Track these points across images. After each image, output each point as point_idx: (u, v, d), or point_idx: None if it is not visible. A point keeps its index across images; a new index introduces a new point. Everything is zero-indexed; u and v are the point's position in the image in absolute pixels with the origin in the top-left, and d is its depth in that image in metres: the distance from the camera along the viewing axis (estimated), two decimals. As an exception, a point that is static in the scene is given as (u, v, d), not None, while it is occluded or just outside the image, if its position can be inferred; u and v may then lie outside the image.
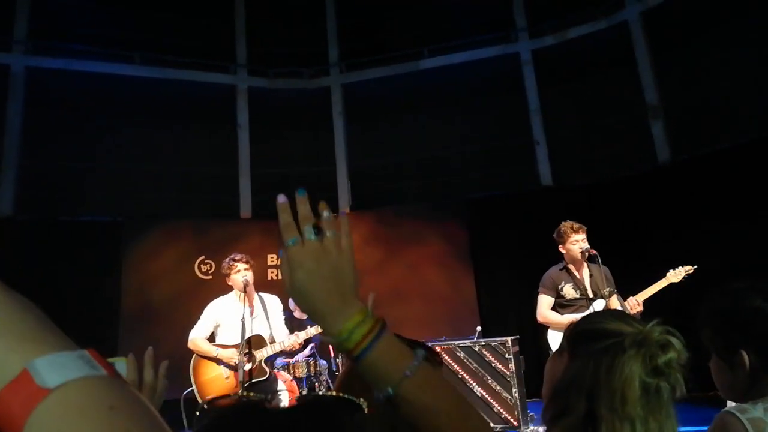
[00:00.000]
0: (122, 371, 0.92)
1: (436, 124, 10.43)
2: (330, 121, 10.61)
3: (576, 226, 4.59)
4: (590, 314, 1.24)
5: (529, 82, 9.98)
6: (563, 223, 4.68)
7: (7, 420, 0.37)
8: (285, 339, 4.45)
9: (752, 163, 7.24)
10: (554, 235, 4.72)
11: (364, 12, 11.01)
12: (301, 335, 4.59)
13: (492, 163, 10.00)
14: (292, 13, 11.09)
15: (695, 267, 4.45)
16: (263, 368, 4.28)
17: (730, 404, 1.54)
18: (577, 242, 4.52)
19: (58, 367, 0.39)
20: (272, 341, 4.41)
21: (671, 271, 4.49)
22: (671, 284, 4.48)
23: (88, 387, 0.39)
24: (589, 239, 4.61)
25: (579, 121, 9.72)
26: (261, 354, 4.28)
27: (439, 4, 10.69)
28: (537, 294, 4.76)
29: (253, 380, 4.22)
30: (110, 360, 0.93)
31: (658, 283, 4.44)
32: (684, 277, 4.45)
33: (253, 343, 4.29)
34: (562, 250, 4.68)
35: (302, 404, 0.73)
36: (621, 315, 1.18)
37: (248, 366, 4.20)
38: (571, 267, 4.64)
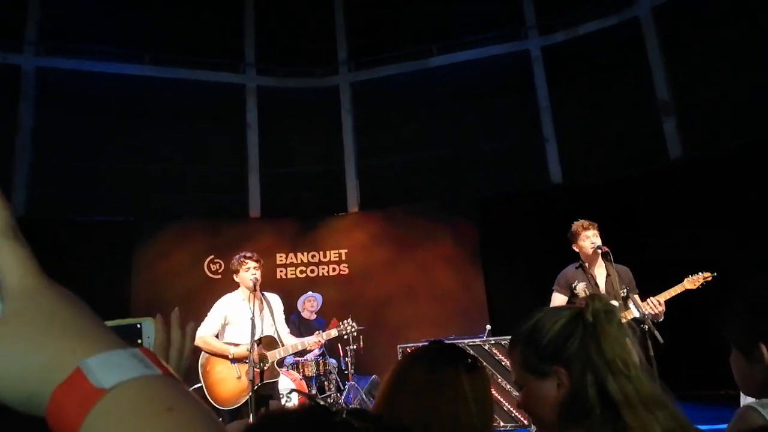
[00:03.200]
0: (150, 332, 0.93)
1: (445, 123, 10.40)
2: (339, 120, 10.61)
3: (586, 223, 4.57)
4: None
5: (539, 80, 9.92)
6: (575, 222, 4.66)
7: (62, 421, 0.36)
8: (304, 340, 4.48)
9: (766, 160, 7.15)
10: (568, 236, 4.70)
11: (373, 10, 10.98)
12: (323, 335, 4.61)
13: (502, 161, 9.94)
14: (300, 12, 11.10)
15: (714, 274, 4.37)
16: (275, 369, 4.27)
17: (746, 400, 1.52)
18: (588, 238, 4.50)
19: (113, 366, 0.37)
20: (281, 342, 4.41)
21: (689, 276, 4.42)
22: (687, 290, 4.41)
23: (145, 387, 0.37)
24: (600, 238, 4.58)
25: (590, 119, 9.64)
26: (274, 355, 4.26)
27: (448, 1, 10.64)
28: (551, 292, 4.72)
29: (266, 381, 4.20)
30: (138, 320, 0.93)
31: (674, 288, 4.38)
32: (701, 284, 4.38)
33: (265, 344, 4.26)
34: (575, 248, 4.64)
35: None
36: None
37: (264, 366, 4.20)
38: (587, 266, 4.61)
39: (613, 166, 9.02)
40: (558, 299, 4.64)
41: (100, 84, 9.64)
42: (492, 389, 4.53)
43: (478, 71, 10.20)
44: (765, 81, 8.02)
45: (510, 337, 1.30)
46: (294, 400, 5.62)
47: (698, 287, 4.36)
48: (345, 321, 4.75)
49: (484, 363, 5.25)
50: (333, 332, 4.66)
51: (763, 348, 1.31)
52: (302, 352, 6.10)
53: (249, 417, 3.98)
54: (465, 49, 10.24)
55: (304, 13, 11.11)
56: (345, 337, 4.97)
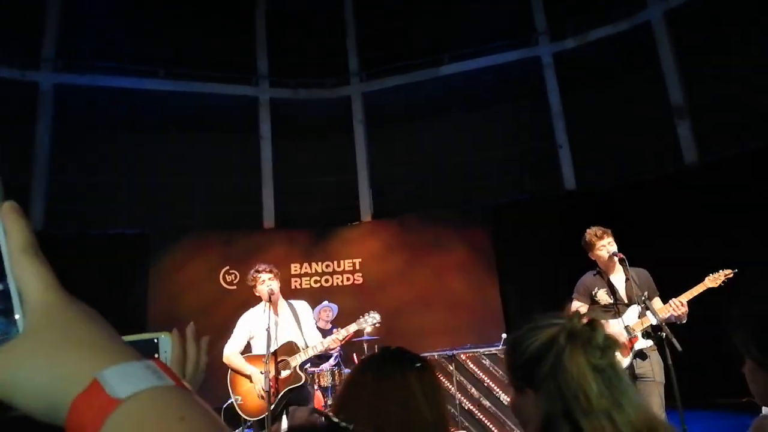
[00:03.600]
0: (167, 346, 0.95)
1: (457, 130, 10.40)
2: (351, 130, 10.66)
3: (600, 231, 4.51)
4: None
5: (551, 86, 9.89)
6: (587, 231, 4.59)
7: (79, 429, 0.38)
8: (323, 341, 4.41)
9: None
10: (582, 244, 4.65)
11: (384, 20, 11.05)
12: (342, 332, 4.57)
13: (515, 167, 9.92)
14: (312, 24, 11.20)
15: (735, 271, 4.32)
16: (298, 374, 4.29)
17: (765, 410, 1.50)
18: (603, 247, 4.45)
19: (128, 377, 0.39)
20: (305, 347, 4.40)
21: (710, 275, 4.37)
22: (708, 289, 4.36)
23: (159, 397, 0.39)
24: (615, 243, 4.53)
25: (602, 124, 9.59)
26: (295, 360, 4.29)
27: (458, 9, 10.67)
28: (570, 300, 4.66)
29: (290, 387, 4.24)
30: (155, 335, 0.95)
31: (695, 287, 4.32)
32: (723, 282, 4.33)
33: (285, 350, 4.30)
34: (592, 257, 4.60)
35: None
36: (536, 325, 1.18)
37: (286, 373, 4.21)
38: (605, 272, 4.56)
39: (627, 171, 8.95)
40: (576, 307, 4.58)
41: (116, 99, 9.78)
42: (509, 399, 4.44)
43: (490, 78, 10.20)
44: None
45: None
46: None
47: (720, 285, 4.30)
48: (366, 313, 4.67)
49: (501, 373, 5.20)
50: (352, 327, 4.61)
51: None
52: (317, 363, 6.12)
53: (271, 426, 4.03)
54: (476, 56, 10.24)
55: (316, 25, 11.20)
56: (367, 330, 4.84)
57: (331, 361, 6.39)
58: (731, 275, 4.31)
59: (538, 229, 8.65)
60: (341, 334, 4.52)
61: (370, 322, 4.54)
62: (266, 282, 4.38)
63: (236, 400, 4.27)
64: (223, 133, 10.48)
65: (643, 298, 4.18)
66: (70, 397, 0.39)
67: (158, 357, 0.89)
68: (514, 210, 9.19)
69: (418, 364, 1.33)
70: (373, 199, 10.33)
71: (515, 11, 10.45)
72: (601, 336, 1.06)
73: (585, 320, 1.09)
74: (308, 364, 5.28)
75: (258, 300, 4.58)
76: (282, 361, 4.23)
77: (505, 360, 1.25)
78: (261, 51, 10.92)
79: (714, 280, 4.32)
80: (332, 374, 5.92)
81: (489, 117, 10.27)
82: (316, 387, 5.79)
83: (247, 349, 4.51)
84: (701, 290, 4.30)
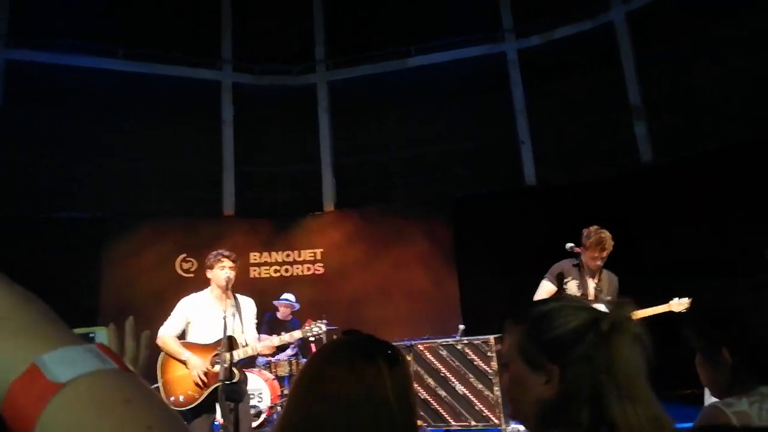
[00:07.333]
0: (103, 341, 0.92)
1: (421, 123, 10.43)
2: (315, 119, 10.57)
3: (608, 243, 4.47)
4: (544, 319, 1.13)
5: (515, 82, 10.03)
6: (600, 232, 4.51)
7: (18, 415, 0.37)
8: (257, 344, 4.23)
9: (735, 165, 7.31)
10: (582, 235, 4.59)
11: (351, 10, 10.97)
12: (275, 341, 4.47)
13: (477, 162, 10.02)
14: (278, 9, 11.02)
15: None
16: (233, 371, 4.10)
17: (710, 399, 1.56)
18: (594, 259, 4.51)
19: (68, 362, 0.38)
20: (244, 344, 4.26)
21: (675, 300, 4.53)
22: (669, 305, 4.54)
23: (102, 381, 0.38)
24: (572, 239, 4.59)
25: (564, 121, 9.77)
26: (231, 357, 4.09)
27: (426, 3, 10.68)
28: (524, 292, 4.75)
29: (224, 381, 4.02)
30: (91, 329, 0.92)
31: (657, 307, 4.50)
32: (685, 310, 4.48)
33: (224, 344, 4.13)
34: (578, 250, 4.61)
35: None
36: (574, 306, 1.13)
37: (218, 368, 3.94)
38: (584, 268, 4.64)
39: (586, 168, 9.15)
40: (546, 288, 4.65)
41: (72, 78, 9.44)
42: (464, 389, 4.49)
43: (455, 72, 10.26)
44: (736, 86, 8.22)
45: (512, 318, 1.22)
46: (266, 401, 5.57)
47: (681, 312, 4.48)
48: (313, 322, 4.56)
49: (458, 363, 5.27)
50: (296, 333, 4.52)
51: (726, 353, 1.37)
52: (273, 353, 6.05)
53: (211, 415, 3.97)
54: (442, 50, 10.30)
55: (282, 11, 11.04)
56: (312, 339, 4.74)
57: (289, 351, 6.35)
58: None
59: (498, 224, 8.77)
60: (276, 339, 4.43)
61: (315, 331, 4.44)
62: (226, 269, 4.29)
63: (160, 386, 4.06)
64: (184, 117, 10.24)
65: (611, 299, 4.33)
66: (6, 383, 0.38)
67: None
68: (475, 204, 9.29)
69: (390, 354, 1.19)
70: (336, 189, 10.29)
71: (482, 7, 10.52)
72: (640, 329, 1.04)
73: (623, 310, 1.06)
74: (260, 357, 5.15)
75: (206, 285, 4.44)
76: (217, 354, 4.08)
77: (522, 330, 1.15)
78: (225, 34, 10.70)
79: (679, 305, 4.52)
80: (289, 364, 5.89)
81: (453, 110, 10.33)
82: (273, 377, 5.75)
83: (182, 335, 4.29)
84: (663, 311, 4.48)
